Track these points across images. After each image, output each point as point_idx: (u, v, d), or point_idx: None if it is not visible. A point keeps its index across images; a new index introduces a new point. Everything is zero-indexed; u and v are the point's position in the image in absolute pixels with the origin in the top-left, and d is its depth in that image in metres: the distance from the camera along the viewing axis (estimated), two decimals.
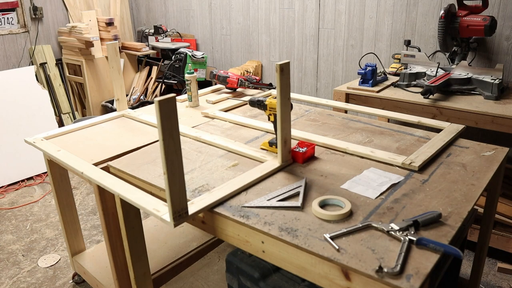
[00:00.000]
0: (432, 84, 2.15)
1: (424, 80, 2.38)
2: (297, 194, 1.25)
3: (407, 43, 2.68)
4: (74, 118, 4.11)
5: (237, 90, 2.32)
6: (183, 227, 2.18)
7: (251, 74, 3.54)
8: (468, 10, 2.36)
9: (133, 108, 2.17)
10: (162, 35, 4.08)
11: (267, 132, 1.76)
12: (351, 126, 1.81)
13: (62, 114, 4.05)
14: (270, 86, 2.32)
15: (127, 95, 4.20)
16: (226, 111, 2.03)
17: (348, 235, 1.05)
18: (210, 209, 1.21)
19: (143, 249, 1.57)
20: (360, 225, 1.08)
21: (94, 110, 4.08)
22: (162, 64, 4.08)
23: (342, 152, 1.55)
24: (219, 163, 1.49)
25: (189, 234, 2.15)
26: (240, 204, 1.22)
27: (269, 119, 1.52)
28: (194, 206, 1.19)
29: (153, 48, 4.25)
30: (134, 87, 4.31)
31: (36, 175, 3.50)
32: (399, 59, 2.67)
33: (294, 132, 1.66)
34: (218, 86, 2.41)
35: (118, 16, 4.42)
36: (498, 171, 1.44)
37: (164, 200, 1.24)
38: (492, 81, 2.16)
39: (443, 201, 1.20)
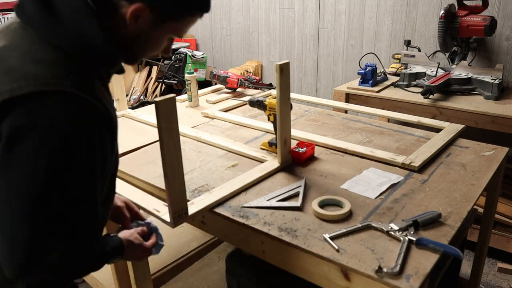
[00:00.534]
0: (432, 84, 2.15)
1: (424, 80, 2.38)
2: (296, 194, 1.25)
3: (407, 43, 2.68)
4: None
5: (237, 90, 2.32)
6: (183, 227, 2.17)
7: (251, 74, 3.54)
8: (468, 10, 2.36)
9: (133, 108, 2.16)
10: None
11: (267, 132, 1.75)
12: (351, 126, 1.81)
13: None
14: (270, 86, 2.32)
15: (127, 95, 4.20)
16: (226, 111, 2.03)
17: (347, 235, 1.05)
18: (210, 209, 1.21)
19: None
20: (360, 225, 1.08)
21: None
22: (162, 64, 4.08)
23: (342, 152, 1.55)
24: (219, 163, 1.49)
25: (189, 234, 2.15)
26: (240, 204, 1.22)
27: (268, 119, 1.52)
28: (194, 206, 1.19)
29: None
30: (134, 87, 4.31)
31: None
32: (399, 59, 2.67)
33: (294, 132, 1.66)
34: (218, 86, 2.41)
35: None
36: (498, 171, 1.44)
37: (164, 200, 1.24)
38: (492, 81, 2.16)
39: (442, 201, 1.20)
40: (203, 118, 1.95)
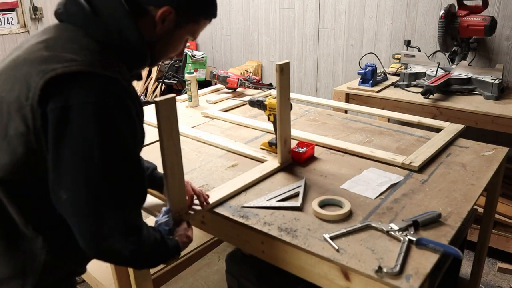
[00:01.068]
0: (432, 84, 2.15)
1: (424, 80, 2.38)
2: (296, 194, 1.25)
3: (407, 43, 2.68)
4: None
5: (237, 90, 2.32)
6: None
7: (251, 74, 3.54)
8: (468, 10, 2.36)
9: None
10: None
11: (267, 132, 1.76)
12: (351, 126, 1.81)
13: None
14: (270, 86, 2.31)
15: None
16: (226, 111, 2.03)
17: (347, 235, 1.05)
18: (209, 209, 1.21)
19: None
20: (360, 225, 1.08)
21: None
22: (162, 64, 4.08)
23: (342, 152, 1.55)
24: (218, 163, 1.49)
25: None
26: (240, 204, 1.22)
27: (268, 119, 1.52)
28: (193, 206, 1.19)
29: None
30: None
31: None
32: (399, 59, 2.67)
33: (294, 132, 1.66)
34: (218, 86, 2.41)
35: None
36: (498, 171, 1.44)
37: (164, 200, 1.24)
38: (492, 81, 2.16)
39: (442, 201, 1.20)
40: (203, 118, 1.95)
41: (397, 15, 2.79)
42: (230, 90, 2.32)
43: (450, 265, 1.25)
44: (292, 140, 1.46)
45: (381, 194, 1.25)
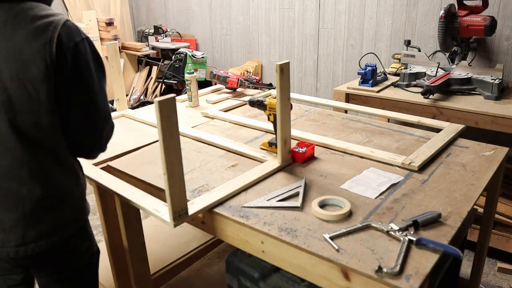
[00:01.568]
0: (432, 84, 2.15)
1: (424, 80, 2.38)
2: (296, 194, 1.25)
3: (407, 43, 2.68)
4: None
5: (237, 90, 2.32)
6: (183, 227, 2.18)
7: (251, 74, 3.54)
8: (468, 10, 2.36)
9: (133, 108, 2.17)
10: (162, 35, 4.08)
11: (267, 132, 1.76)
12: (351, 126, 1.81)
13: None
14: (270, 86, 2.32)
15: (127, 95, 4.20)
16: (226, 111, 2.03)
17: (347, 235, 1.05)
18: (210, 209, 1.21)
19: (143, 249, 1.57)
20: (360, 225, 1.08)
21: None
22: (162, 64, 4.08)
23: (342, 152, 1.55)
24: (219, 163, 1.49)
25: (189, 234, 2.15)
26: (240, 204, 1.22)
27: (268, 119, 1.52)
28: (194, 206, 1.19)
29: (153, 48, 4.25)
30: (134, 87, 4.32)
31: None
32: (399, 59, 2.67)
33: (294, 132, 1.66)
34: (218, 86, 2.41)
35: (118, 16, 4.42)
36: (498, 171, 1.44)
37: (164, 200, 1.24)
38: (492, 81, 2.16)
39: (442, 201, 1.20)
40: (203, 118, 1.95)
41: (397, 15, 2.79)
42: (230, 90, 2.32)
43: (450, 265, 1.25)
44: (292, 140, 1.46)
45: (381, 194, 1.25)
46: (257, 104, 1.53)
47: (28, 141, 1.05)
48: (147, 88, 4.24)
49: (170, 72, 3.75)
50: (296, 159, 1.47)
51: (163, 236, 2.12)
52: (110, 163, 1.54)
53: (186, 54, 3.65)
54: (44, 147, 1.08)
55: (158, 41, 4.13)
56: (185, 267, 2.01)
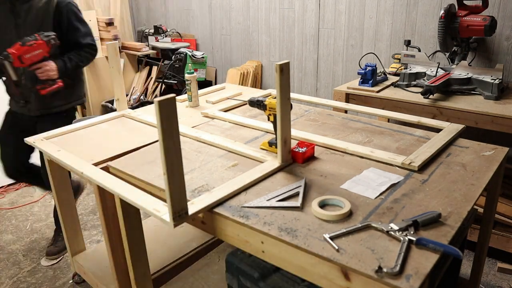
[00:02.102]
0: (432, 84, 2.15)
1: (424, 80, 2.38)
2: (296, 194, 1.25)
3: (407, 43, 2.68)
4: (74, 118, 4.11)
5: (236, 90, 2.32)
6: (183, 227, 2.18)
7: (251, 74, 3.54)
8: (468, 10, 2.36)
9: (133, 108, 2.17)
10: (162, 35, 4.08)
11: (267, 132, 1.76)
12: (351, 126, 1.81)
13: None
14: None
15: (127, 95, 4.20)
16: (226, 111, 2.03)
17: (347, 235, 1.06)
18: (210, 209, 1.21)
19: (143, 249, 1.57)
20: (360, 225, 1.08)
21: (94, 110, 4.08)
22: (162, 64, 4.08)
23: (342, 152, 1.55)
24: (218, 163, 1.49)
25: (189, 234, 2.15)
26: (240, 204, 1.22)
27: (268, 119, 1.52)
28: (194, 206, 1.19)
29: (153, 48, 4.24)
30: (134, 87, 4.31)
31: None
32: (399, 59, 2.67)
33: (294, 132, 1.66)
34: (218, 86, 2.41)
35: (118, 16, 4.42)
36: (498, 171, 1.44)
37: (164, 200, 1.24)
38: (492, 81, 2.16)
39: (442, 201, 1.20)
40: (203, 118, 1.95)
41: (397, 15, 2.79)
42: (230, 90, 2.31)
43: (450, 265, 1.25)
44: (292, 140, 1.46)
45: (381, 194, 1.25)
46: (257, 104, 1.53)
47: None
48: (147, 88, 4.24)
49: (170, 72, 3.75)
50: (296, 159, 1.47)
51: (163, 236, 2.12)
52: (110, 163, 1.54)
53: (186, 54, 3.65)
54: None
55: (158, 41, 4.13)
56: (185, 267, 2.01)
